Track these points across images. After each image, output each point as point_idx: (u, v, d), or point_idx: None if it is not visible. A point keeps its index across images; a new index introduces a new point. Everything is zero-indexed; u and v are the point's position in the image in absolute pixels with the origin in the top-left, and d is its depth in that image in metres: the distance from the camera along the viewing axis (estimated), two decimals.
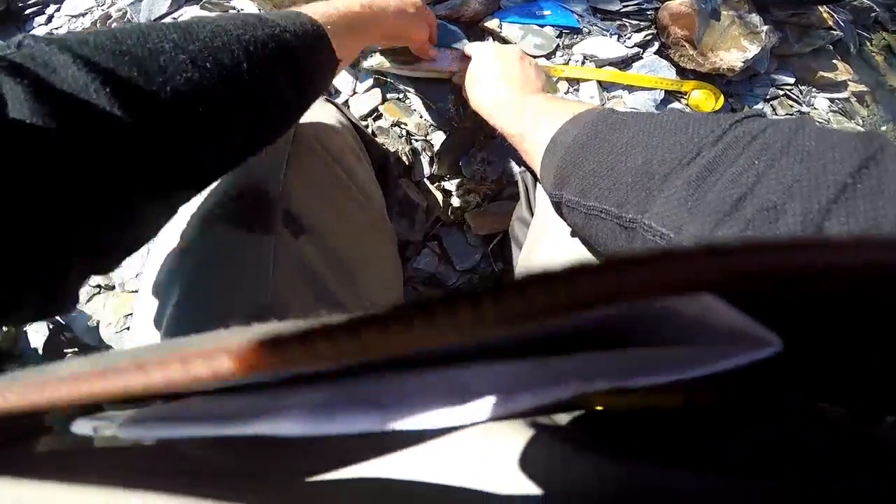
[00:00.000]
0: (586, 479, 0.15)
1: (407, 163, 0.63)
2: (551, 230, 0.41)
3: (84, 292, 0.74)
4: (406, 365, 0.13)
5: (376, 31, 0.43)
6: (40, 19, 0.76)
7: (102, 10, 0.74)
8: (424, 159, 0.63)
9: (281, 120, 0.34)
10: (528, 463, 0.16)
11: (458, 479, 0.16)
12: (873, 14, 0.82)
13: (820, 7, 0.69)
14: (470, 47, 0.52)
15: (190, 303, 0.33)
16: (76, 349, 0.69)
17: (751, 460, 0.15)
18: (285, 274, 0.35)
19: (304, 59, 0.33)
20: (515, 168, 0.62)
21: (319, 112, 0.46)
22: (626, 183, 0.28)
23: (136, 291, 0.68)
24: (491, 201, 0.63)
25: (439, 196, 0.63)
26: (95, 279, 0.74)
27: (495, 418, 0.11)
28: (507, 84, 0.45)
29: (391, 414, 0.11)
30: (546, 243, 0.41)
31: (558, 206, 0.35)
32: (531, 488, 0.15)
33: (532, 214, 0.51)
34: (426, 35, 0.51)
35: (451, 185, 0.63)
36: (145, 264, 0.40)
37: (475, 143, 0.63)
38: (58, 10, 0.77)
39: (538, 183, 0.48)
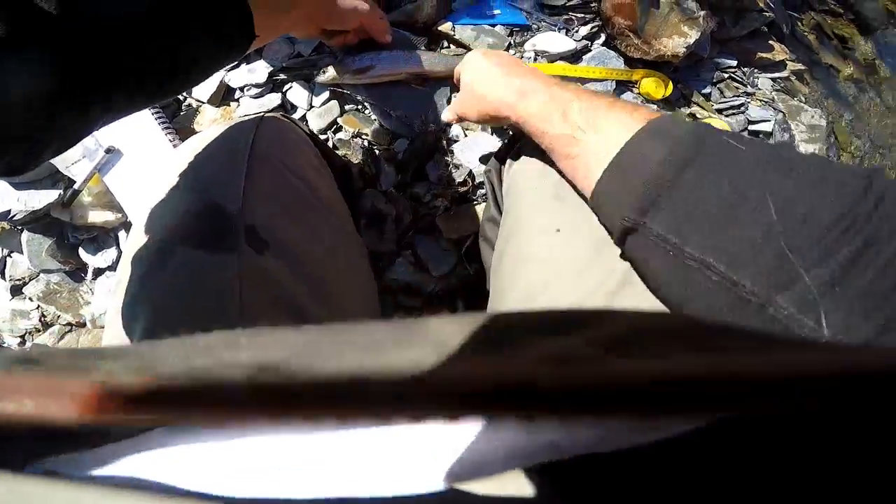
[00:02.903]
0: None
1: (370, 173, 0.62)
2: (522, 228, 0.40)
3: (56, 331, 0.71)
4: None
5: (304, 8, 0.44)
6: None
7: None
8: (390, 168, 0.62)
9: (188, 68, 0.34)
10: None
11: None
12: None
13: None
14: (461, 63, 0.49)
15: (156, 330, 0.32)
16: None
17: None
18: (253, 293, 0.34)
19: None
20: (480, 168, 0.62)
21: (275, 129, 0.45)
22: (752, 243, 0.23)
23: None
24: (459, 204, 0.63)
25: (408, 204, 0.62)
26: (66, 317, 0.70)
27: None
28: (523, 75, 0.40)
29: None
30: (516, 242, 0.41)
31: (626, 232, 0.29)
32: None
33: (500, 213, 0.51)
34: (368, 8, 0.52)
35: (418, 191, 0.63)
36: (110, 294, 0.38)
37: (438, 148, 0.63)
38: None
39: (502, 182, 0.48)
